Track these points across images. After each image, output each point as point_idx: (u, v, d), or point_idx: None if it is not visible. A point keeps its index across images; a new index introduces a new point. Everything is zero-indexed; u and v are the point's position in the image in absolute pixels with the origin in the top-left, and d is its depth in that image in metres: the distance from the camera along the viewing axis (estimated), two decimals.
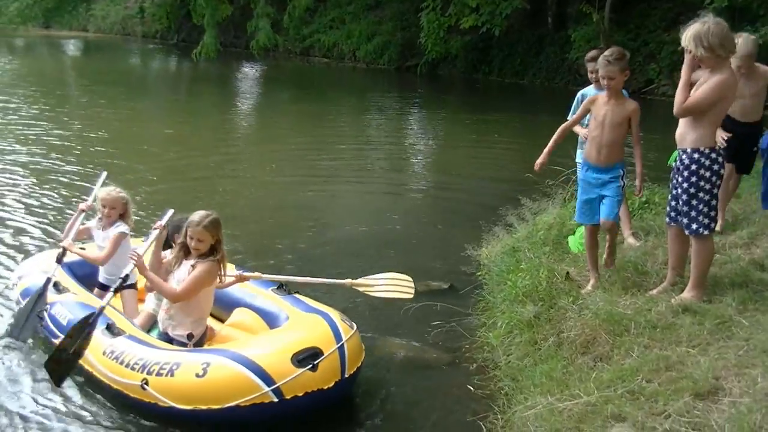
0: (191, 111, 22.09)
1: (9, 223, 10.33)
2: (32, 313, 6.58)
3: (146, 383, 5.54)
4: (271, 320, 6.52)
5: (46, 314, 6.57)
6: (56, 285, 6.86)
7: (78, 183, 12.45)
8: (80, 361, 5.92)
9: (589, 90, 8.04)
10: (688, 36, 5.80)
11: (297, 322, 6.29)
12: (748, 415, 4.43)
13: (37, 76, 28.71)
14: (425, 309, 7.60)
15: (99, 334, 5.99)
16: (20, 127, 17.46)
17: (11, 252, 9.13)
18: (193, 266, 6.08)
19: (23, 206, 11.12)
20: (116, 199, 7.12)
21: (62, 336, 6.01)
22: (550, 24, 26.25)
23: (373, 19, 32.04)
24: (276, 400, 5.47)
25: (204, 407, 5.44)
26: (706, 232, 6.01)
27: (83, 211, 7.24)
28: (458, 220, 11.00)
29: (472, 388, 6.26)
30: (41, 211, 10.93)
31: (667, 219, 6.40)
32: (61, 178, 12.84)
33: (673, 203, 6.25)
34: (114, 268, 6.97)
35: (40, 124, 17.98)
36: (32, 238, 9.70)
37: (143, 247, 6.34)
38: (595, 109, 6.65)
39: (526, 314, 6.58)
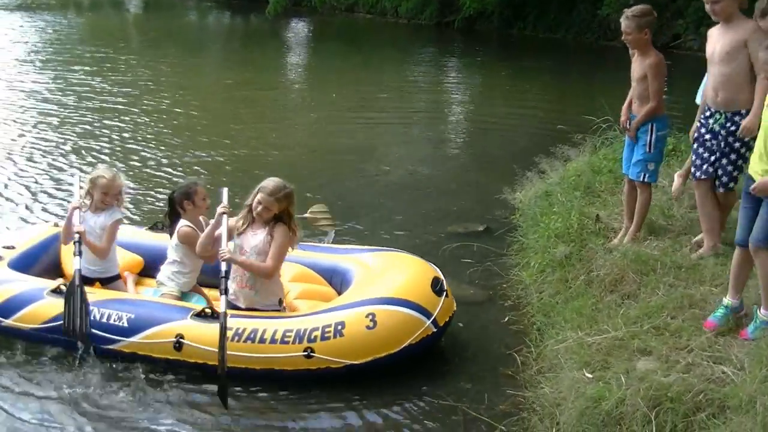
0: (246, 62, 22.07)
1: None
2: (83, 311, 5.48)
3: (312, 351, 5.24)
4: (323, 272, 6.39)
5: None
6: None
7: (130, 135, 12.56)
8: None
9: None
10: None
11: (389, 261, 6.22)
12: (766, 350, 4.40)
13: (97, 32, 28.81)
14: (463, 249, 7.64)
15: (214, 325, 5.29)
16: (84, 76, 17.65)
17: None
18: (270, 235, 5.62)
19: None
20: (120, 186, 6.38)
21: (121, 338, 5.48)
22: None
23: None
24: (435, 330, 5.55)
25: (383, 354, 5.34)
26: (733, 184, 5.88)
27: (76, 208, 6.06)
28: (494, 166, 10.92)
29: (506, 324, 6.29)
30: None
31: (704, 176, 5.94)
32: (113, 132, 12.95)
33: (712, 159, 5.84)
34: (98, 258, 6.18)
35: (105, 76, 18.05)
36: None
37: (218, 231, 5.66)
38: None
39: (558, 254, 6.58)
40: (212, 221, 5.80)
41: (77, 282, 5.53)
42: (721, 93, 5.69)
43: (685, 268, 5.79)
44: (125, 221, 6.88)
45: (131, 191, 9.33)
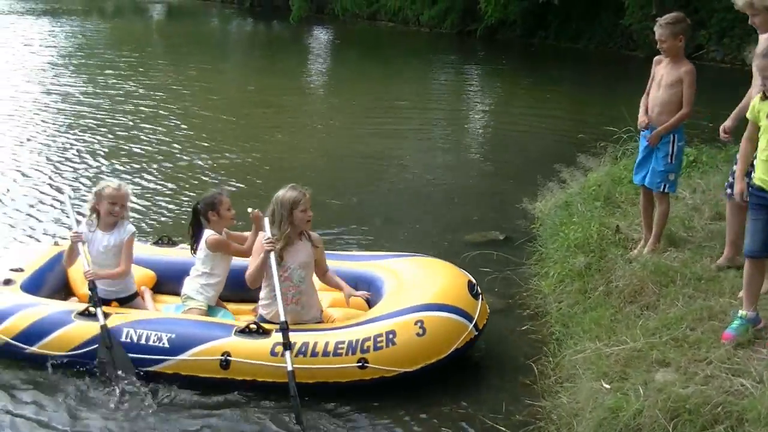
0: (268, 69, 22.28)
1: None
2: (113, 348, 5.36)
3: (366, 361, 5.19)
4: (351, 280, 6.17)
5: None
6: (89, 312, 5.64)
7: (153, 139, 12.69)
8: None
9: None
10: None
11: (420, 266, 6.22)
12: None
13: (126, 37, 29.15)
14: (482, 257, 7.63)
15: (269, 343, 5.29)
16: (114, 80, 17.90)
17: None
18: (314, 245, 5.64)
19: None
20: (127, 195, 6.08)
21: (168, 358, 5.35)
22: None
23: None
24: (476, 333, 5.60)
25: (433, 360, 5.34)
26: None
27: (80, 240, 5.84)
28: (514, 174, 10.90)
29: (525, 333, 6.28)
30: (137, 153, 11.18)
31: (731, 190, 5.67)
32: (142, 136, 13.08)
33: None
34: (101, 259, 5.95)
35: (133, 78, 18.39)
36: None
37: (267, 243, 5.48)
38: (656, 70, 6.44)
39: (577, 264, 6.58)
40: (259, 252, 5.52)
41: (110, 343, 5.34)
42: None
43: (705, 280, 5.78)
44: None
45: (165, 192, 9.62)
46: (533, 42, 27.02)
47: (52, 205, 9.12)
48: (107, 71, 19.51)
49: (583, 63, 23.35)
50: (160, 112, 14.86)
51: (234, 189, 9.78)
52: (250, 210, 6.04)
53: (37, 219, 8.70)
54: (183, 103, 15.97)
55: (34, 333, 5.51)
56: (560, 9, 24.72)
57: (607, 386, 4.67)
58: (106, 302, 5.74)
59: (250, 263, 5.62)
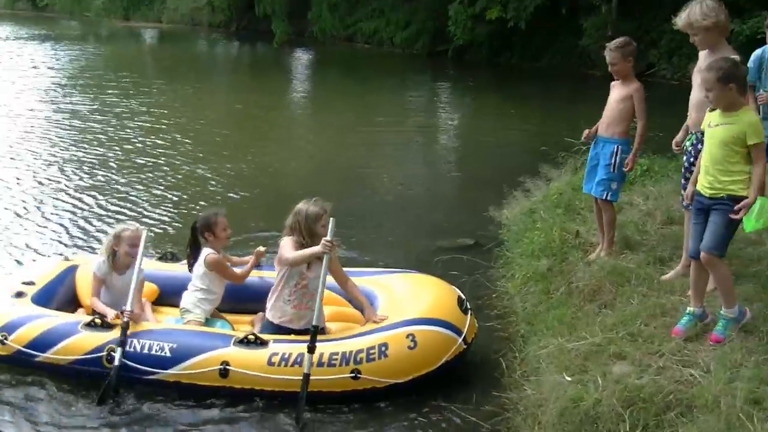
0: (254, 88, 22.27)
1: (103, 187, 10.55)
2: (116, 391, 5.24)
3: (358, 372, 5.14)
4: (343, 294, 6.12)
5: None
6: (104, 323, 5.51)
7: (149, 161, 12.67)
8: (270, 384, 5.17)
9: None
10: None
11: (411, 282, 6.14)
12: (730, 354, 4.47)
13: (120, 60, 29.08)
14: (453, 261, 7.66)
15: (259, 351, 5.25)
16: (116, 99, 17.86)
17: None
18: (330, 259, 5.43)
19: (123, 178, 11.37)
20: (143, 236, 5.85)
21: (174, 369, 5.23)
22: (564, 13, 25.86)
23: (408, 9, 31.65)
24: (465, 346, 5.50)
25: (423, 372, 5.29)
26: None
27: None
28: (482, 184, 10.95)
29: (493, 331, 6.30)
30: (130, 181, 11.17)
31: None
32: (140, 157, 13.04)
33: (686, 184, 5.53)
34: (116, 298, 5.79)
35: (134, 96, 18.48)
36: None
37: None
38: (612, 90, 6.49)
39: (541, 267, 6.62)
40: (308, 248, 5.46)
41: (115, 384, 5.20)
42: (695, 114, 5.52)
43: (658, 280, 5.84)
44: None
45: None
46: (499, 62, 27.14)
47: (63, 221, 8.98)
48: (109, 91, 19.57)
49: (545, 81, 23.46)
50: (161, 126, 15.00)
51: (236, 197, 10.13)
52: (261, 249, 6.23)
53: (51, 233, 8.55)
54: (180, 119, 16.13)
55: (43, 342, 5.43)
56: (524, 31, 24.86)
57: (569, 378, 4.70)
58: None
59: (287, 252, 5.48)
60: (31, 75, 22.39)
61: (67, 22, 47.49)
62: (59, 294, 6.14)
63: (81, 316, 5.75)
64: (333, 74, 26.01)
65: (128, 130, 14.41)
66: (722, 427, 3.86)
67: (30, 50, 29.79)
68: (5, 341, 5.46)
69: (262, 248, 6.36)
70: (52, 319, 5.59)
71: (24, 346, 5.43)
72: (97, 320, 5.49)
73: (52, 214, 9.16)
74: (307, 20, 32.33)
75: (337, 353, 5.19)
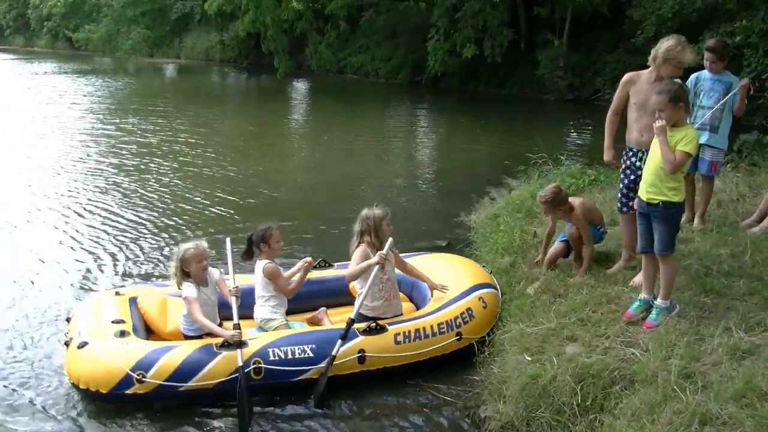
0: (264, 113, 22.36)
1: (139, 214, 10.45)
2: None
3: (461, 334, 5.42)
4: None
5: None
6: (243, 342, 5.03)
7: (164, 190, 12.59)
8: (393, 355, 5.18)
9: (704, 73, 6.58)
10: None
11: (447, 259, 6.54)
12: (665, 336, 4.45)
13: (148, 90, 29.11)
14: None
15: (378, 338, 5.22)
16: (144, 125, 17.74)
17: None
18: (393, 251, 5.57)
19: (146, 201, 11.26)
20: (206, 249, 5.47)
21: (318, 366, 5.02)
22: (523, 48, 25.91)
23: (391, 45, 31.66)
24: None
25: (492, 326, 5.64)
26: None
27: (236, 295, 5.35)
28: (454, 194, 10.91)
29: None
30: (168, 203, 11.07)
31: (625, 208, 5.74)
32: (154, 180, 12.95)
33: (629, 193, 5.63)
34: (206, 311, 5.30)
35: (155, 125, 18.21)
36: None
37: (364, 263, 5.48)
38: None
39: (504, 264, 6.60)
40: (363, 262, 5.51)
41: (244, 384, 4.78)
42: (646, 135, 5.35)
43: (603, 273, 5.83)
44: None
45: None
46: (468, 89, 27.16)
47: (111, 253, 8.10)
48: (138, 116, 19.78)
49: (507, 105, 23.49)
50: (190, 143, 15.33)
51: (251, 201, 10.17)
52: (308, 259, 5.88)
53: (96, 265, 7.72)
54: (203, 139, 16.23)
55: (185, 371, 4.85)
56: (489, 63, 24.89)
57: (529, 358, 4.69)
58: (198, 337, 5.29)
59: (353, 265, 5.57)
60: (73, 103, 22.52)
61: (100, 59, 47.34)
62: (139, 326, 5.48)
63: (207, 340, 5.13)
64: (327, 101, 25.97)
65: (164, 146, 14.61)
66: (659, 398, 3.84)
67: (68, 82, 29.88)
68: (143, 379, 4.78)
69: (309, 258, 5.90)
70: (182, 348, 4.99)
71: (165, 380, 4.81)
72: (230, 340, 4.98)
73: (92, 250, 8.16)
74: (305, 55, 32.76)
75: (443, 322, 5.43)
